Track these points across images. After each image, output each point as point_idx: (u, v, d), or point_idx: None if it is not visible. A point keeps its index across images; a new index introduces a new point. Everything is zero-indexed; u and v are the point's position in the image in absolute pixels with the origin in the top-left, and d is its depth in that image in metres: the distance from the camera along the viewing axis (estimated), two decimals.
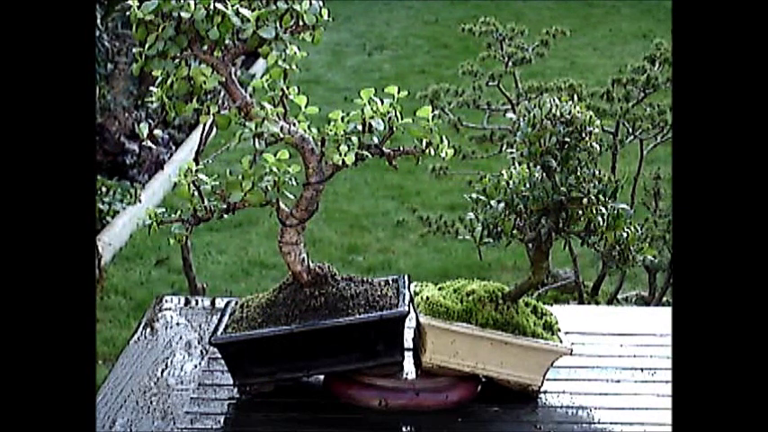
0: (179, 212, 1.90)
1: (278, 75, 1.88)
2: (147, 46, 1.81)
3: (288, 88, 1.90)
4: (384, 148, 1.93)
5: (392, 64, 9.11)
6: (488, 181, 1.93)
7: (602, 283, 4.27)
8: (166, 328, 2.26)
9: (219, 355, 1.98)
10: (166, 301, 2.40)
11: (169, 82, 1.85)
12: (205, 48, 1.84)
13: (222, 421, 1.91)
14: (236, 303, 2.06)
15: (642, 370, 2.11)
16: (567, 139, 1.86)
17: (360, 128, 1.90)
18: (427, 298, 1.98)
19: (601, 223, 1.86)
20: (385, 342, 1.94)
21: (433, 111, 1.94)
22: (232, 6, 1.81)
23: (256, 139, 1.83)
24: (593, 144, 1.87)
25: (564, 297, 4.27)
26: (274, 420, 1.90)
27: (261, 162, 1.85)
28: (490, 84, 4.10)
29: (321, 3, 1.89)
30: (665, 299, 3.97)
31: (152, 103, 1.88)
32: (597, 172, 1.88)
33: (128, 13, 1.85)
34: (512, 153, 1.92)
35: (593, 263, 4.47)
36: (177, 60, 1.83)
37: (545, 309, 2.04)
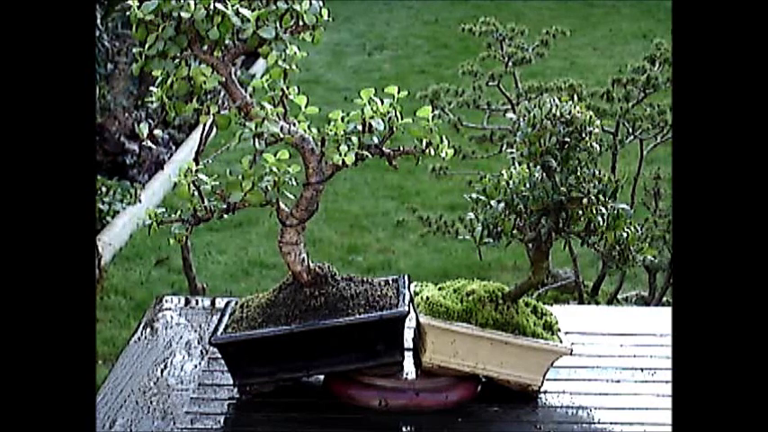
0: (179, 212, 1.90)
1: (278, 75, 1.88)
2: (147, 46, 1.81)
3: (288, 88, 1.90)
4: (384, 148, 1.93)
5: (392, 64, 9.11)
6: (488, 181, 1.93)
7: (602, 283, 4.27)
8: (166, 328, 2.26)
9: (219, 355, 1.98)
10: (166, 301, 2.40)
11: (169, 82, 1.85)
12: (205, 48, 1.84)
13: (222, 421, 1.91)
14: (236, 303, 2.06)
15: (642, 370, 2.11)
16: (567, 139, 1.86)
17: (360, 128, 1.90)
18: (427, 298, 1.98)
19: (601, 223, 1.86)
20: (385, 342, 1.94)
21: (433, 111, 1.94)
22: (232, 6, 1.81)
23: (256, 139, 1.83)
24: (593, 144, 1.87)
25: (564, 297, 4.27)
26: (274, 420, 1.90)
27: (261, 162, 1.85)
28: (490, 84, 4.10)
29: (321, 3, 1.89)
30: (665, 299, 3.97)
31: (152, 103, 1.88)
32: (597, 172, 1.88)
33: (128, 13, 1.85)
34: (512, 153, 1.92)
35: (594, 263, 4.47)
36: (177, 60, 1.83)
37: (545, 309, 2.04)
